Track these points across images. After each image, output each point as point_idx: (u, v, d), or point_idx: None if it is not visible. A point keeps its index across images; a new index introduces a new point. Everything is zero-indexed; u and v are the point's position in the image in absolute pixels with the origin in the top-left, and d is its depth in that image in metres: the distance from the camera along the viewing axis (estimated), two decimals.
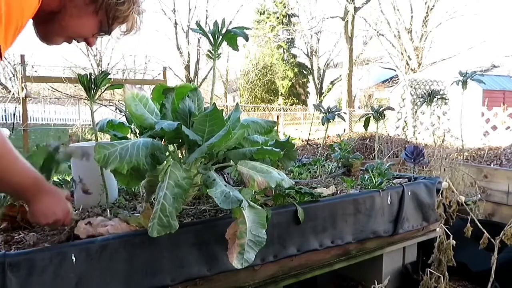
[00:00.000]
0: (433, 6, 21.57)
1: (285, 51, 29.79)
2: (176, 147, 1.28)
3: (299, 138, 5.54)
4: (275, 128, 1.52)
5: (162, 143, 1.22)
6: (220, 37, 1.40)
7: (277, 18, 29.25)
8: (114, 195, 1.54)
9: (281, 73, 29.50)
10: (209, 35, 1.40)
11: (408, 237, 1.90)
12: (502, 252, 1.77)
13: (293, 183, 1.32)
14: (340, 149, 2.22)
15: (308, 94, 30.96)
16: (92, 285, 1.05)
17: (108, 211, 1.29)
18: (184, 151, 1.29)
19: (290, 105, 28.35)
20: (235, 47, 1.45)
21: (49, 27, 1.15)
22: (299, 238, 1.46)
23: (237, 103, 1.45)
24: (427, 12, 21.63)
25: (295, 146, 1.51)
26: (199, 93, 1.35)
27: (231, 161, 1.27)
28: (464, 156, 3.58)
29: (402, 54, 21.70)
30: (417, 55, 21.28)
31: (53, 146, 1.26)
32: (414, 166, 1.94)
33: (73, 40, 1.23)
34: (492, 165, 3.30)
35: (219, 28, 1.39)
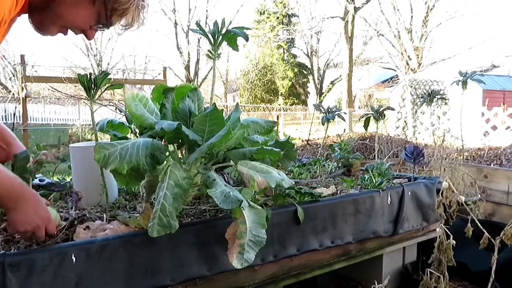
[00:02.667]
0: (433, 6, 21.57)
1: (285, 51, 29.79)
2: (176, 147, 1.28)
3: (299, 138, 5.54)
4: (275, 128, 1.52)
5: (162, 143, 1.22)
6: (220, 37, 1.40)
7: (277, 18, 29.24)
8: (114, 195, 1.54)
9: (281, 73, 29.50)
10: (209, 35, 1.40)
11: (408, 237, 1.90)
12: (502, 252, 1.77)
13: (293, 183, 1.32)
14: (340, 149, 2.22)
15: (308, 94, 30.96)
16: (92, 285, 1.05)
17: (105, 216, 1.28)
18: (184, 151, 1.29)
19: (290, 105, 28.35)
20: (235, 47, 1.45)
21: (43, 15, 1.12)
22: (299, 238, 1.46)
23: (237, 103, 1.45)
24: (427, 12, 21.63)
25: (295, 146, 1.51)
26: (199, 93, 1.35)
27: (231, 161, 1.27)
28: (464, 156, 3.58)
29: (402, 54, 21.70)
30: (417, 55, 21.28)
31: (21, 156, 1.20)
32: (414, 166, 1.94)
33: (70, 31, 1.20)
34: (492, 165, 3.30)
35: (219, 28, 1.39)
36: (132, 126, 1.38)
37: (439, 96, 3.24)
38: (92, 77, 1.23)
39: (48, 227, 1.10)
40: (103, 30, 1.23)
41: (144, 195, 1.36)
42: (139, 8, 1.19)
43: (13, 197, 1.03)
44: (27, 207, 1.05)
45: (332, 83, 28.61)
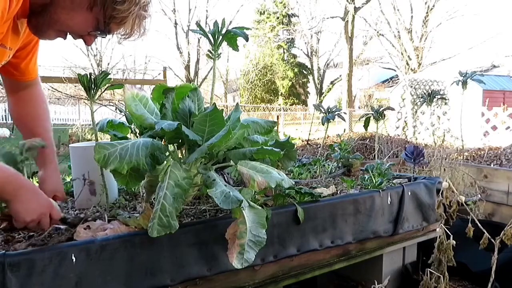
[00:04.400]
0: (433, 6, 21.60)
1: (285, 51, 29.81)
2: (176, 147, 1.28)
3: (299, 138, 5.54)
4: (275, 128, 1.52)
5: (162, 143, 1.22)
6: (220, 37, 1.40)
7: (277, 18, 29.27)
8: (114, 195, 1.54)
9: (281, 73, 29.52)
10: (209, 35, 1.40)
11: (408, 237, 1.90)
12: (502, 252, 1.77)
13: (293, 183, 1.32)
14: (340, 149, 2.22)
15: (308, 94, 30.98)
16: (92, 285, 1.04)
17: (106, 216, 1.28)
18: (184, 151, 1.29)
19: (290, 105, 28.38)
20: (235, 47, 1.45)
21: (40, 19, 1.12)
22: (299, 238, 1.46)
23: (237, 103, 1.45)
24: (427, 12, 21.65)
25: (295, 146, 1.50)
26: (199, 93, 1.35)
27: (231, 161, 1.27)
28: (464, 156, 3.58)
29: (402, 54, 21.72)
30: (417, 55, 21.29)
31: (21, 145, 1.23)
32: (414, 166, 1.94)
33: (69, 36, 1.20)
34: (492, 165, 3.30)
35: (219, 28, 1.39)
36: (132, 126, 1.38)
37: (439, 96, 3.24)
38: (92, 77, 1.23)
39: (52, 213, 1.11)
40: (103, 37, 1.22)
41: (144, 195, 1.37)
42: (140, 18, 1.17)
43: (10, 188, 1.03)
44: (28, 196, 1.06)
45: (332, 83, 28.62)
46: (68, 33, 1.19)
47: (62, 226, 1.17)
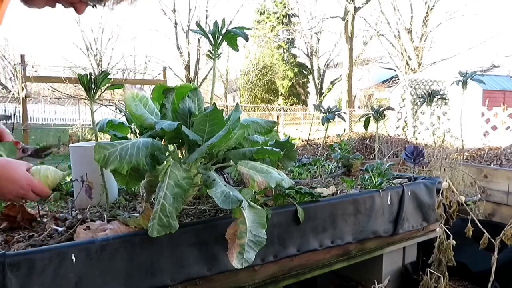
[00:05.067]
0: (433, 6, 21.60)
1: (285, 51, 29.80)
2: (176, 147, 1.28)
3: (299, 138, 5.54)
4: (275, 128, 1.52)
5: (162, 143, 1.22)
6: (220, 37, 1.40)
7: (277, 18, 29.26)
8: (114, 195, 1.54)
9: (281, 73, 29.51)
10: (209, 35, 1.40)
11: (408, 237, 1.90)
12: (502, 252, 1.77)
13: (293, 183, 1.32)
14: (340, 149, 2.22)
15: (308, 94, 30.97)
16: (92, 285, 1.05)
17: (105, 216, 1.28)
18: (184, 151, 1.29)
19: (290, 105, 28.36)
20: (235, 47, 1.45)
21: None
22: (299, 238, 1.46)
23: (237, 103, 1.45)
24: (427, 12, 21.64)
25: (295, 146, 1.51)
26: (199, 93, 1.35)
27: (231, 161, 1.27)
28: (464, 156, 3.58)
29: (402, 54, 21.71)
30: (417, 55, 21.29)
31: None
32: (414, 166, 1.94)
33: (59, 5, 1.16)
34: (492, 165, 3.30)
35: (219, 28, 1.39)
36: (132, 126, 1.38)
37: (439, 96, 3.25)
38: (92, 77, 1.23)
39: (35, 190, 1.14)
40: (94, 6, 1.19)
41: (144, 195, 1.37)
42: None
43: None
44: (3, 178, 1.09)
45: (332, 83, 28.61)
46: (57, 2, 1.16)
47: (60, 228, 1.17)
